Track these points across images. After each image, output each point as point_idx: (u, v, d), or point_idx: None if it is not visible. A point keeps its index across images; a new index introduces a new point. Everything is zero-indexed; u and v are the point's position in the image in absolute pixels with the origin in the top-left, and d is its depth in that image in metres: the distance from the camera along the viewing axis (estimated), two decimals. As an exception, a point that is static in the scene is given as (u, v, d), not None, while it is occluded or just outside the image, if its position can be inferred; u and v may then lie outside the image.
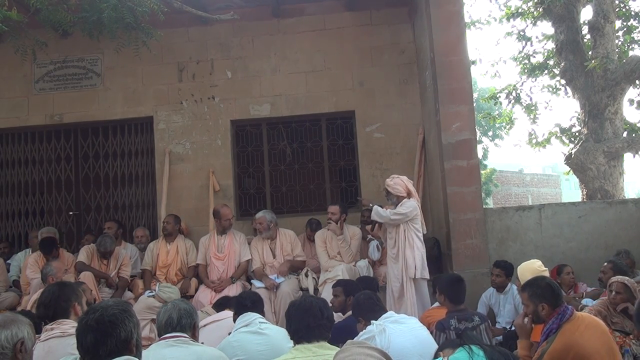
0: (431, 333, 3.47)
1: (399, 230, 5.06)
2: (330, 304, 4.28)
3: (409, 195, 5.17)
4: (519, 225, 5.87)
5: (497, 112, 15.42)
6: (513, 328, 4.44)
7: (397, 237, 5.08)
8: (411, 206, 5.04)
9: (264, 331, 3.24)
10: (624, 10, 10.35)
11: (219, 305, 4.41)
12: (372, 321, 3.21)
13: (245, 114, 7.27)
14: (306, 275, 5.78)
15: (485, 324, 3.70)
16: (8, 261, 6.71)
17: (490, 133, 25.30)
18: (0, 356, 1.92)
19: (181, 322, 2.77)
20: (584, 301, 4.68)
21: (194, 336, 2.84)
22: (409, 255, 4.98)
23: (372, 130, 7.14)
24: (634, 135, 9.46)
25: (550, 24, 9.78)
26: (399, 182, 5.18)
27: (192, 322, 2.83)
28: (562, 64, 9.39)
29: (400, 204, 5.08)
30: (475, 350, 2.46)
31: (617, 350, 2.98)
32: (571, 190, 33.45)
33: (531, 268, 3.84)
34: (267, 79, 7.28)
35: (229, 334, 3.35)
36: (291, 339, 2.69)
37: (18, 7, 5.32)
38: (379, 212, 5.14)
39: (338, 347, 2.37)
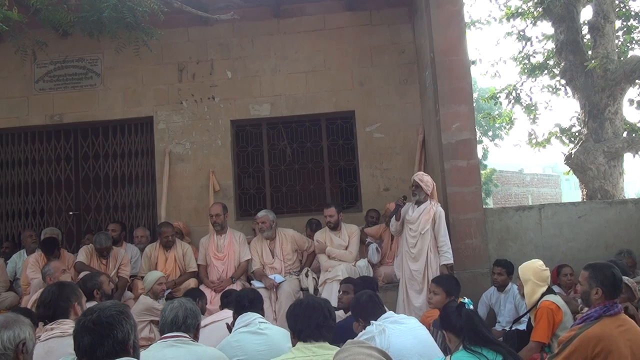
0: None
1: (426, 234, 5.21)
2: (339, 300, 4.29)
3: (432, 195, 5.37)
4: (518, 225, 5.87)
5: (497, 112, 15.42)
6: (514, 328, 4.45)
7: (422, 241, 5.23)
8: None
9: (264, 331, 3.23)
10: (624, 10, 10.34)
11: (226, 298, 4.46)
12: (372, 321, 3.20)
13: (245, 114, 7.27)
14: (306, 275, 5.78)
15: None
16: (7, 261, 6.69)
17: (490, 133, 25.25)
18: (2, 357, 1.91)
19: (186, 322, 2.79)
20: (584, 301, 4.67)
21: (196, 337, 2.85)
22: (434, 261, 5.19)
23: (372, 130, 7.14)
24: (634, 135, 9.45)
25: (550, 24, 9.77)
26: (430, 181, 5.37)
27: (196, 322, 2.85)
28: (562, 64, 9.38)
29: (438, 223, 5.22)
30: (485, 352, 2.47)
31: None
32: (571, 190, 33.45)
33: (533, 267, 3.82)
34: (267, 79, 7.28)
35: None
36: (294, 337, 2.64)
37: (18, 7, 5.32)
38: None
39: (338, 347, 2.35)
